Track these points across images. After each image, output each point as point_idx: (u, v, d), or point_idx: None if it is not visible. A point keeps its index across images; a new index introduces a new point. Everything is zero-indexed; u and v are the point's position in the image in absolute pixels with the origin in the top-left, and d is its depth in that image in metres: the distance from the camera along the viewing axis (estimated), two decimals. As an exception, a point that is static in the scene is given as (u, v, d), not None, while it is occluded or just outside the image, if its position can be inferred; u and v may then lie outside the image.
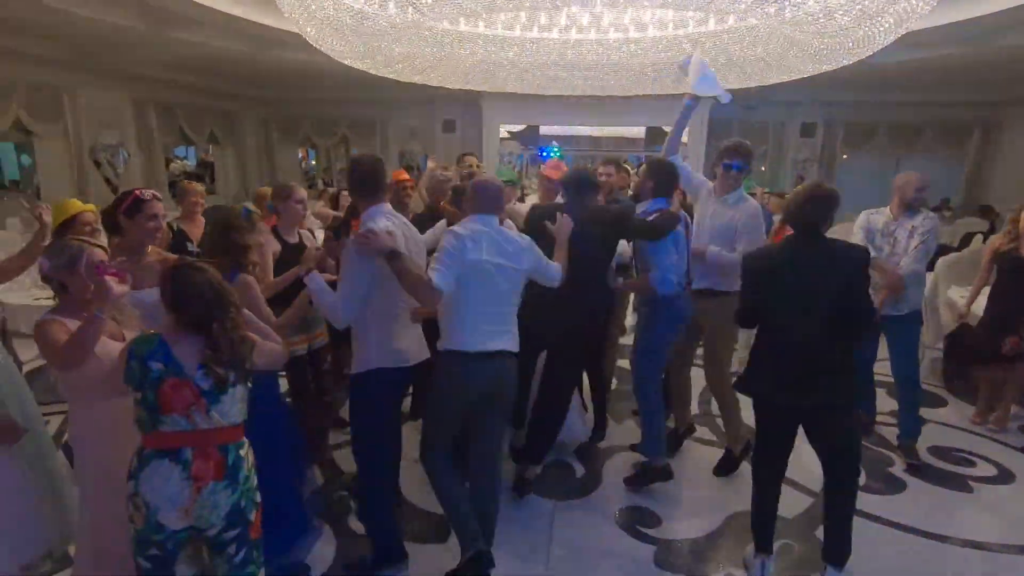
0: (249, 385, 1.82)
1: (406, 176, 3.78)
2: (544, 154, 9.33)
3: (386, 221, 2.29)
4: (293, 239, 3.06)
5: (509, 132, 10.67)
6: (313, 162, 15.80)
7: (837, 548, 2.43)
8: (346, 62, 4.42)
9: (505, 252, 2.33)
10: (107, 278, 1.75)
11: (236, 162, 11.42)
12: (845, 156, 10.94)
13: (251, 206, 3.11)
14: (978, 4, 5.62)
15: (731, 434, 3.38)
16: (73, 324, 1.83)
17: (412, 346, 2.43)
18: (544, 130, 10.77)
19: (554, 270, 2.56)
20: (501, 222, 2.46)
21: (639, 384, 3.21)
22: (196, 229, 3.63)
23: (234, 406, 1.76)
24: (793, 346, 2.29)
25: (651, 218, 2.97)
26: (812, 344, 2.26)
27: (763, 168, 10.99)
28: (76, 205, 2.87)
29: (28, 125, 7.03)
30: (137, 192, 2.49)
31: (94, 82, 7.76)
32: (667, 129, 11.35)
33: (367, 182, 2.36)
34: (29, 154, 8.65)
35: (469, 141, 11.15)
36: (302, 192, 3.14)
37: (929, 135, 10.17)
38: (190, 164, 14.45)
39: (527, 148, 10.86)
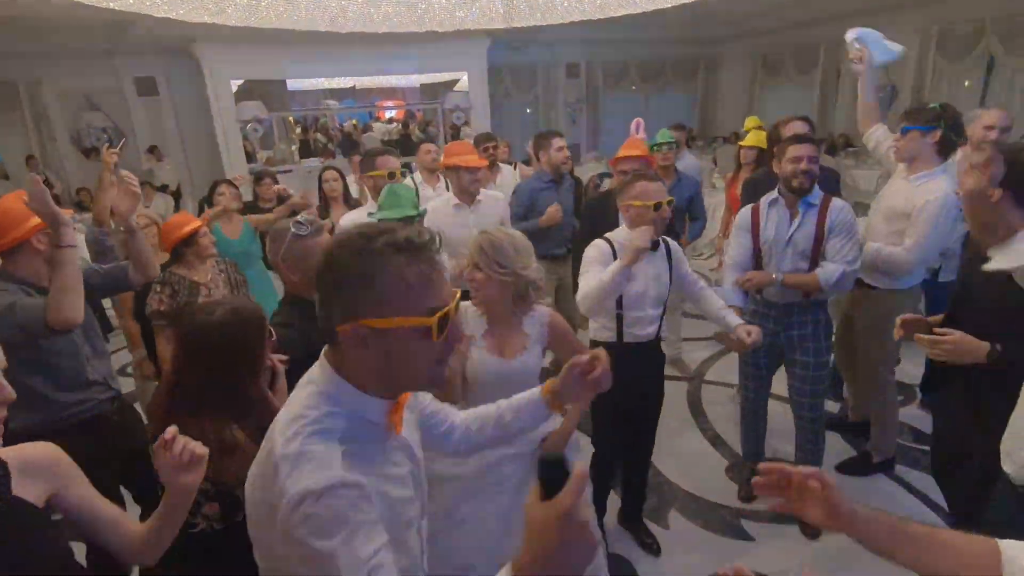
0: None
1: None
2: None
3: None
4: None
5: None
6: None
7: None
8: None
9: None
10: None
11: None
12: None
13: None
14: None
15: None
16: None
17: None
18: (291, 84, 8.45)
19: None
20: None
21: None
22: None
23: None
24: None
25: None
26: None
27: (528, 111, 10.61)
28: None
29: None
30: None
31: None
32: (442, 79, 9.64)
33: None
34: None
35: (184, 105, 8.22)
36: None
37: (669, 73, 10.99)
38: None
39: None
